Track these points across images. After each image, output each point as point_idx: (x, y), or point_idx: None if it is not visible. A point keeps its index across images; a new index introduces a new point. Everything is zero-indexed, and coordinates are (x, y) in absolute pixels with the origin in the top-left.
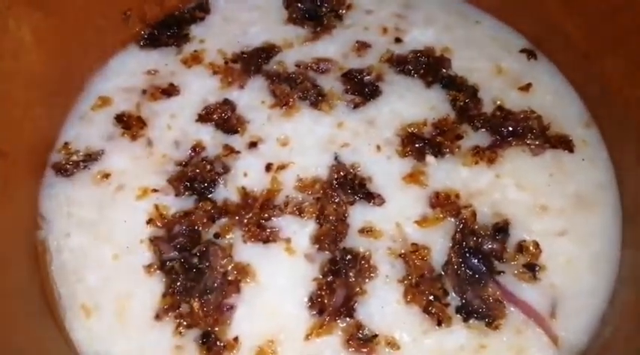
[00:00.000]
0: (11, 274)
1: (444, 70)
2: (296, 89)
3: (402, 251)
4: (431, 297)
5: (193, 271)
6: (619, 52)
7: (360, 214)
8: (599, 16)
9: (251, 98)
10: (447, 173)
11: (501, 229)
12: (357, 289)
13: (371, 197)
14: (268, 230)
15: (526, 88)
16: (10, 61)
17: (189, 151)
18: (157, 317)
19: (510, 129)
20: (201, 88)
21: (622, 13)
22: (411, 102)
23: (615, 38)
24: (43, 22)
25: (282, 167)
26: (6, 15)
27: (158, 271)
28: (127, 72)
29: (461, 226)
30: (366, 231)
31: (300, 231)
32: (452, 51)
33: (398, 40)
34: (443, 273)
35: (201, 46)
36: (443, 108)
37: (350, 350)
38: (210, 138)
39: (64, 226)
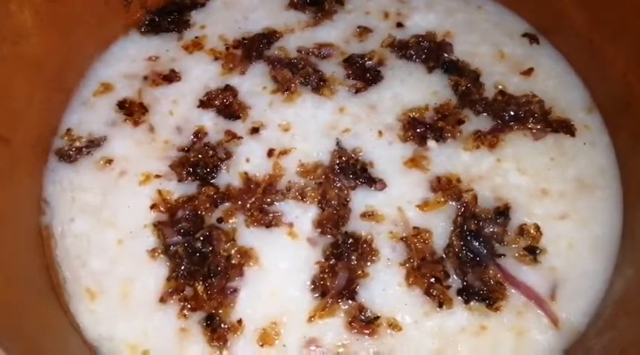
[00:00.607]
0: (16, 259)
1: (446, 55)
2: (297, 74)
3: (404, 234)
4: (432, 280)
5: (197, 255)
6: (622, 37)
7: (361, 198)
8: (603, 0)
9: (253, 84)
10: (449, 157)
11: (502, 213)
12: (359, 272)
13: (372, 181)
14: (271, 214)
15: (528, 72)
16: (11, 46)
17: (192, 137)
18: (162, 300)
19: (512, 113)
20: (202, 73)
21: None
22: (412, 87)
23: (618, 23)
24: (45, 6)
25: (284, 152)
26: None
27: (162, 255)
28: (128, 58)
29: (462, 210)
30: (368, 215)
31: (302, 215)
32: (453, 36)
33: (399, 25)
34: (444, 256)
35: (202, 31)
36: (444, 93)
37: (352, 331)
38: (212, 123)
39: (68, 211)
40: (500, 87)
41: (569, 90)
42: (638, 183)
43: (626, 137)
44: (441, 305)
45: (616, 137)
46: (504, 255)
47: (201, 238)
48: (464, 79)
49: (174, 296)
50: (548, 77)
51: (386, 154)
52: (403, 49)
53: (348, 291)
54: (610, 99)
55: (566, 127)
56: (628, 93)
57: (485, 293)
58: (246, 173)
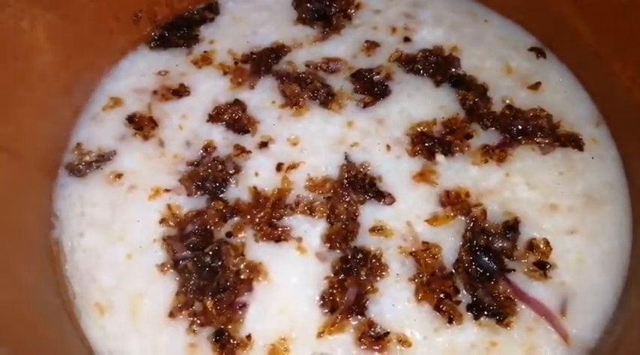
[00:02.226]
0: (27, 274)
1: (453, 69)
2: (306, 89)
3: (413, 249)
4: (442, 295)
5: (206, 270)
6: (628, 51)
7: (370, 213)
8: (609, 14)
9: (261, 98)
10: (457, 172)
11: (512, 227)
12: (369, 287)
13: (381, 196)
14: (280, 229)
15: (535, 86)
16: (23, 62)
17: (201, 151)
18: (171, 315)
19: (520, 127)
20: (211, 88)
21: (632, 12)
22: (420, 102)
23: (625, 37)
24: (56, 23)
25: (292, 167)
26: (20, 16)
27: (171, 270)
28: (137, 73)
29: (471, 224)
30: (377, 230)
31: (311, 230)
32: (461, 50)
33: (407, 40)
34: (454, 271)
35: (211, 46)
36: (452, 108)
37: (362, 347)
38: (221, 138)
39: (78, 226)
40: (507, 101)
41: (577, 104)
42: None
43: (634, 150)
44: (450, 321)
45: (624, 150)
46: (514, 270)
47: (211, 253)
48: (471, 93)
49: (183, 312)
50: (555, 91)
51: (394, 168)
52: (411, 63)
53: (358, 307)
54: (617, 113)
55: (574, 141)
56: (635, 107)
57: (495, 308)
58: (255, 187)
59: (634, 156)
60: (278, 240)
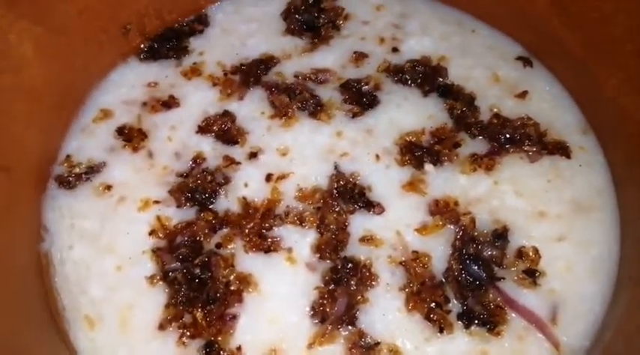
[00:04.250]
0: (16, 286)
1: (441, 79)
2: (295, 99)
3: (403, 259)
4: (432, 304)
5: (196, 281)
6: (614, 59)
7: (360, 223)
8: (595, 23)
9: (251, 109)
10: (446, 181)
11: (501, 235)
12: (359, 297)
13: (371, 206)
14: (269, 239)
15: (522, 95)
16: (11, 76)
17: (190, 162)
18: (160, 327)
19: (507, 136)
20: (201, 99)
21: (616, 21)
22: (408, 111)
23: (610, 45)
24: (44, 37)
25: (282, 177)
26: (8, 30)
27: (161, 282)
28: (127, 84)
29: (460, 233)
30: (367, 240)
31: (301, 240)
32: (448, 60)
33: (395, 50)
34: (444, 280)
35: (200, 58)
36: (440, 117)
37: None
38: (210, 149)
39: (67, 238)
40: (495, 110)
41: (564, 113)
42: (634, 205)
43: (621, 158)
44: (441, 330)
45: (611, 158)
46: (504, 279)
47: (200, 264)
48: (459, 102)
49: (173, 324)
50: (542, 100)
51: (384, 178)
52: (399, 73)
53: (348, 317)
54: (604, 120)
55: (561, 149)
56: (621, 115)
57: (485, 317)
58: (244, 198)
59: (621, 163)
60: (268, 250)
